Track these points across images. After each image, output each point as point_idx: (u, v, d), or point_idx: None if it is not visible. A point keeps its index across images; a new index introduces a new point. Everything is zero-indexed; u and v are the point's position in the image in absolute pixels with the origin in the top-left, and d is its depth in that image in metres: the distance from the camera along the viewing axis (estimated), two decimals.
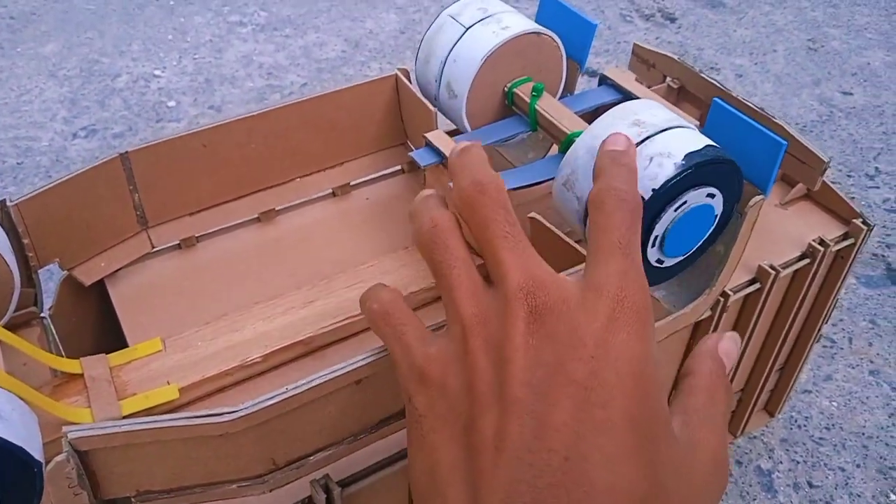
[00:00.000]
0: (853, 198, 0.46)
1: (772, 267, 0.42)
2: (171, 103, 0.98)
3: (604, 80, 0.45)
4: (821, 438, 0.64)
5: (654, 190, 0.33)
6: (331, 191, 0.48)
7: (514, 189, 0.39)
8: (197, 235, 0.45)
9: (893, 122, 0.97)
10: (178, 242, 0.44)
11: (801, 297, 0.46)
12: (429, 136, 0.42)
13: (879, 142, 0.94)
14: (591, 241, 0.26)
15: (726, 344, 0.28)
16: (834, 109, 0.99)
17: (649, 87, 0.47)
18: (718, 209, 0.36)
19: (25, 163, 0.88)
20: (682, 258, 0.38)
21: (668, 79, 0.49)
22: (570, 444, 0.22)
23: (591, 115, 0.40)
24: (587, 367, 0.23)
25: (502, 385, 0.23)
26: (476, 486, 0.22)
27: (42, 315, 0.39)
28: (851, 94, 1.02)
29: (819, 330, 0.50)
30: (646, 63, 0.51)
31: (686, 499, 0.23)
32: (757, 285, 0.43)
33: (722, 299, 0.41)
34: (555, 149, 0.46)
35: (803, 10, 1.19)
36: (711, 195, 0.35)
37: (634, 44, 0.51)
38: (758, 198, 0.37)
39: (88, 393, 0.34)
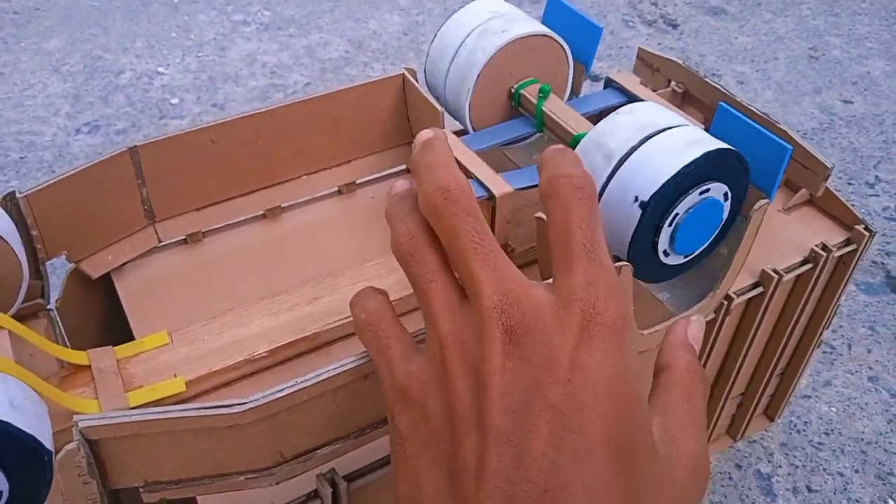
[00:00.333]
0: (854, 205, 0.46)
1: (775, 271, 0.43)
2: (175, 100, 0.98)
3: (609, 84, 0.46)
4: (820, 443, 0.64)
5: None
6: (337, 189, 0.48)
7: (521, 189, 0.39)
8: (203, 231, 0.45)
9: (893, 131, 0.98)
10: (184, 237, 0.44)
11: (803, 302, 0.46)
12: None
13: (879, 150, 0.94)
14: (552, 242, 0.25)
15: (694, 329, 0.28)
16: (834, 118, 0.99)
17: (654, 91, 0.47)
18: (726, 212, 0.37)
19: (28, 157, 0.88)
20: (685, 259, 0.38)
21: (673, 83, 0.50)
22: (548, 474, 0.22)
23: (596, 118, 0.41)
24: (564, 391, 0.22)
25: (481, 409, 0.23)
26: None
27: (49, 307, 0.39)
28: (852, 102, 1.02)
29: (820, 335, 0.50)
30: (650, 67, 0.51)
31: None
32: (760, 289, 0.43)
33: (725, 302, 0.42)
34: None
35: (805, 19, 1.19)
36: (726, 195, 0.36)
37: (639, 48, 0.51)
38: (763, 201, 0.38)
39: (96, 384, 0.34)
